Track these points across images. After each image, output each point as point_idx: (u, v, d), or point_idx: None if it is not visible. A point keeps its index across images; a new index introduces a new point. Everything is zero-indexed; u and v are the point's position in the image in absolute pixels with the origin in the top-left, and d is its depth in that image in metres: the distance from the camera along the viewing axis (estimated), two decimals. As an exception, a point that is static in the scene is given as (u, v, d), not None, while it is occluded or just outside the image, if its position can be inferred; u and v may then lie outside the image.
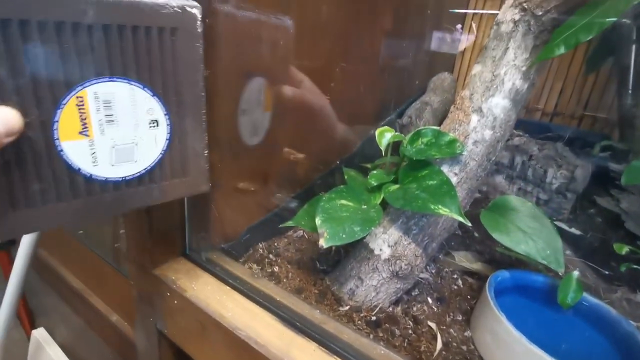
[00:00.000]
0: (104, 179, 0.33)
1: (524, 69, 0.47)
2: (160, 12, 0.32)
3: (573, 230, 0.71)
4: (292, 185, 0.66)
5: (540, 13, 0.45)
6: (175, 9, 0.33)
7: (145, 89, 0.33)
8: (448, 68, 1.26)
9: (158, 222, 0.44)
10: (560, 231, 0.69)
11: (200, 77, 0.37)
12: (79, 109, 0.30)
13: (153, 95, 0.34)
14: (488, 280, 0.47)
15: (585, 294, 0.47)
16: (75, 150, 0.30)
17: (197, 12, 0.35)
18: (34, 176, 0.29)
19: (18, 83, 0.27)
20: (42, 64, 0.28)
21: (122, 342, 0.82)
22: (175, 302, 0.43)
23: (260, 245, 0.59)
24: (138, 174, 0.35)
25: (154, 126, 0.35)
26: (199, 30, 0.35)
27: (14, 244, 0.89)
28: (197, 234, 0.48)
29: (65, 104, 0.29)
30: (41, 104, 0.28)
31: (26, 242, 0.56)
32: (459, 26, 1.19)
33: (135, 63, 0.32)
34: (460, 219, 0.41)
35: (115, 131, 0.32)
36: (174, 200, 0.45)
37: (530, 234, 0.48)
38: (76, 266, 1.08)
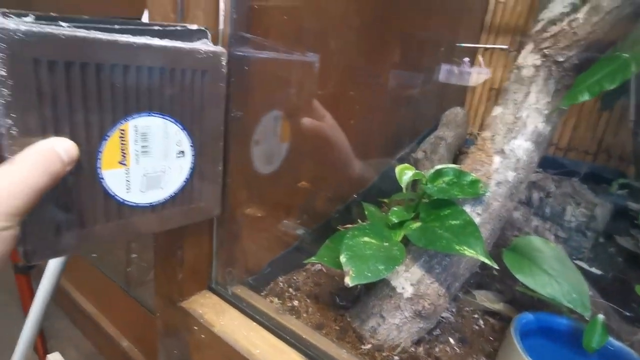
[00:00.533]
0: (134, 204, 0.35)
1: (545, 112, 0.48)
2: (195, 56, 0.36)
3: (594, 270, 0.71)
4: (311, 220, 0.67)
5: (561, 59, 0.47)
6: (208, 53, 0.36)
7: (177, 123, 0.36)
8: (459, 102, 1.27)
9: (189, 256, 0.45)
10: (581, 271, 0.68)
11: (222, 112, 0.40)
12: (121, 140, 0.33)
13: (183, 129, 0.37)
14: (513, 323, 0.47)
15: (610, 338, 0.47)
16: (113, 178, 0.33)
17: (223, 57, 0.38)
18: (76, 201, 0.31)
19: (73, 118, 0.29)
20: (95, 100, 0.30)
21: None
22: (203, 336, 0.44)
23: (280, 278, 0.60)
24: (163, 200, 0.37)
25: (180, 156, 0.37)
26: (224, 71, 0.38)
27: (33, 267, 0.90)
28: (223, 267, 0.49)
29: (110, 136, 0.32)
30: (90, 136, 0.31)
31: (49, 274, 0.57)
32: (466, 59, 1.21)
33: (170, 100, 0.35)
34: (487, 261, 0.42)
35: (148, 161, 0.35)
36: (203, 235, 0.46)
37: (555, 276, 0.48)
38: (89, 290, 1.09)
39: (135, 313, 0.89)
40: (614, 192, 0.84)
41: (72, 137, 0.29)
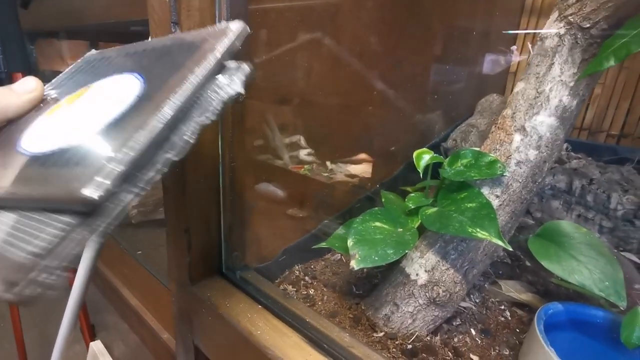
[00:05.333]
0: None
1: (571, 84, 0.44)
2: None
3: (644, 261, 0.64)
4: (331, 208, 0.66)
5: (587, 25, 0.43)
6: None
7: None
8: (499, 90, 1.21)
9: (196, 241, 0.45)
10: (631, 263, 0.62)
11: None
12: None
13: None
14: (537, 313, 0.43)
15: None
16: None
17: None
18: None
19: None
20: None
21: (171, 360, 0.84)
22: (210, 318, 0.44)
23: (297, 267, 0.59)
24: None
25: None
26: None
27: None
28: (232, 253, 0.49)
29: None
30: None
31: (87, 256, 0.60)
32: (514, 47, 1.15)
33: None
34: (500, 242, 0.39)
35: None
36: (211, 219, 0.47)
37: (585, 262, 0.44)
38: (135, 286, 1.14)
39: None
40: (671, 178, 0.75)
41: None
